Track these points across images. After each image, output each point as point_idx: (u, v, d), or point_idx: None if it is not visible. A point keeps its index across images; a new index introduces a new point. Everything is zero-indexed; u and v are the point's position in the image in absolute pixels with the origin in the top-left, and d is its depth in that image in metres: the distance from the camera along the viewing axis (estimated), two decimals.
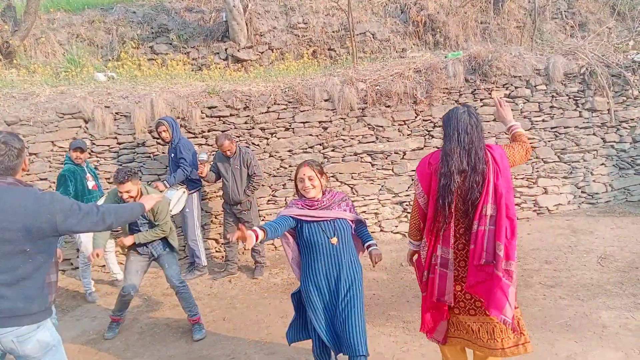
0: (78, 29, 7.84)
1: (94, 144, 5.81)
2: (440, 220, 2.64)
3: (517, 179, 6.72)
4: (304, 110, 6.25)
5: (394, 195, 6.47)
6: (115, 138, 5.87)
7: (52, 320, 2.56)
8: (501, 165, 2.66)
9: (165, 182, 5.19)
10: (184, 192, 5.26)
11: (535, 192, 6.79)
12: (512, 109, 6.59)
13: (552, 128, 6.78)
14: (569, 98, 6.81)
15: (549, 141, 6.78)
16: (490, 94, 6.58)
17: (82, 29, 7.85)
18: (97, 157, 5.83)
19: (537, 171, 6.79)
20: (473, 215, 2.58)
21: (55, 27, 7.84)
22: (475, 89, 6.57)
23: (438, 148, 2.86)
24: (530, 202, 6.78)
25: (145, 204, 2.87)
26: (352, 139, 6.36)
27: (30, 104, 5.82)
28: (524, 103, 6.68)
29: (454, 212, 2.62)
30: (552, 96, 6.75)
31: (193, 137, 6.02)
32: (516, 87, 6.64)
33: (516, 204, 6.75)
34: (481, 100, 6.58)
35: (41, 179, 5.63)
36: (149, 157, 5.95)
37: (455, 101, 6.54)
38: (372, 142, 6.40)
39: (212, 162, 5.49)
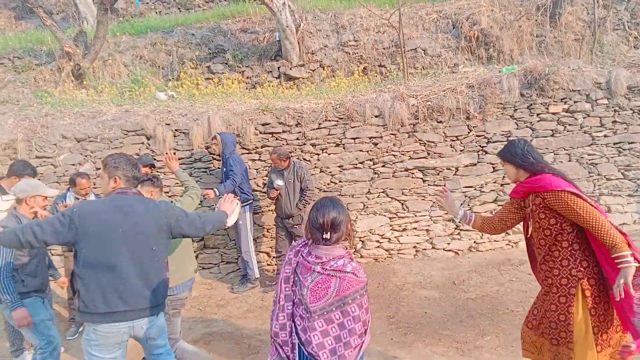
0: (141, 51, 8.31)
1: (154, 159, 6.11)
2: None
3: None
4: (354, 126, 6.30)
5: (446, 211, 6.36)
6: (175, 153, 6.13)
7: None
8: None
9: (215, 189, 5.36)
10: (237, 204, 5.42)
11: None
12: (570, 124, 6.38)
13: (615, 144, 6.47)
14: (634, 112, 6.48)
15: (611, 157, 6.46)
16: (547, 109, 6.38)
17: (145, 51, 8.31)
18: (157, 171, 6.12)
19: (599, 188, 6.48)
20: None
21: (121, 49, 8.35)
22: (531, 104, 6.39)
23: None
24: None
25: (227, 210, 3.23)
26: (403, 154, 6.34)
27: (97, 121, 6.21)
28: (583, 118, 6.43)
29: None
30: (615, 110, 6.46)
31: (247, 153, 6.21)
32: (575, 102, 6.41)
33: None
34: (538, 115, 6.39)
35: None
36: (205, 171, 6.18)
37: (510, 116, 6.39)
38: (424, 157, 6.35)
39: (282, 185, 5.59)
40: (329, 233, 2.11)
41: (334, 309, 2.00)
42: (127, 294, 2.58)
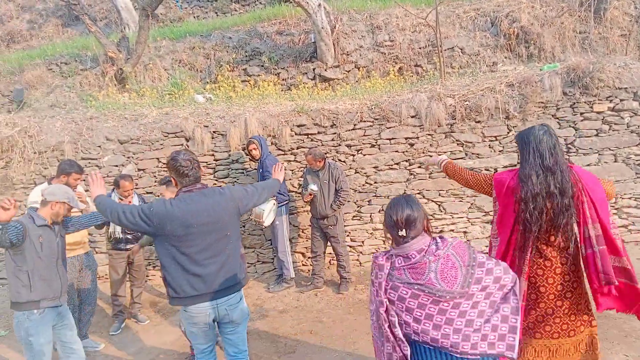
0: (180, 55, 8.53)
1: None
2: (519, 246, 2.73)
3: (623, 198, 6.18)
4: (390, 127, 6.25)
5: (484, 213, 6.23)
6: (213, 155, 6.28)
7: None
8: (591, 183, 2.63)
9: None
10: (274, 204, 5.48)
11: None
12: (616, 124, 6.13)
13: None
14: None
15: None
16: (591, 107, 6.15)
17: (184, 55, 8.52)
18: None
19: None
20: (572, 239, 2.64)
21: (161, 54, 8.59)
22: (574, 103, 6.17)
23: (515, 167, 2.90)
24: (639, 224, 6.19)
25: (280, 178, 3.49)
26: (440, 155, 6.23)
27: (139, 124, 6.41)
28: (630, 117, 6.16)
29: (534, 239, 2.67)
30: None
31: (282, 154, 6.27)
32: (622, 100, 6.14)
33: (623, 226, 6.21)
34: (581, 114, 6.16)
35: (148, 192, 6.16)
36: (242, 172, 6.28)
37: (552, 115, 6.19)
38: (461, 158, 6.24)
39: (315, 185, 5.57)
40: (404, 230, 2.08)
41: (471, 270, 2.00)
42: (207, 278, 2.82)
